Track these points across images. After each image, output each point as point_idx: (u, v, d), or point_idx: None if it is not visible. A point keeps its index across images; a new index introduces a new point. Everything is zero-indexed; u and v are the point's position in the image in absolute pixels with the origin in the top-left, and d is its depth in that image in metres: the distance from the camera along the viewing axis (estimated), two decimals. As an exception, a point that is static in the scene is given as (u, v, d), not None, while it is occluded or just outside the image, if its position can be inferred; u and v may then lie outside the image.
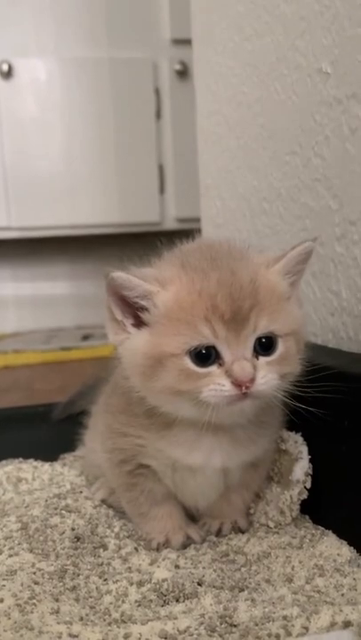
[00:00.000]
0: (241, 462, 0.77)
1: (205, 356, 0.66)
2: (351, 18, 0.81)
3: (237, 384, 0.65)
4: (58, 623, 0.62)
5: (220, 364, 0.66)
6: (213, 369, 0.66)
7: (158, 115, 2.76)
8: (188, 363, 0.66)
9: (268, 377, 0.67)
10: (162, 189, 2.79)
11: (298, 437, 0.82)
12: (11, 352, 2.38)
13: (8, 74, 2.65)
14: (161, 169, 2.79)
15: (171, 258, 0.73)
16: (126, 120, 2.73)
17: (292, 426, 0.83)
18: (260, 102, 1.07)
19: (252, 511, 0.84)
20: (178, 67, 2.69)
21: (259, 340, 0.68)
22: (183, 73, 2.68)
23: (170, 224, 2.77)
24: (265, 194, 1.07)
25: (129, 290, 0.68)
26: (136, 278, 0.68)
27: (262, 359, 0.68)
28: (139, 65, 2.73)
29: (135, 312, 0.70)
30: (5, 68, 2.64)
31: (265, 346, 0.68)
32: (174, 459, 0.75)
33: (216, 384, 0.66)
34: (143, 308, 0.69)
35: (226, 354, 0.66)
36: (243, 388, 0.65)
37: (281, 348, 0.69)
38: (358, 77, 0.79)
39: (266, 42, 1.03)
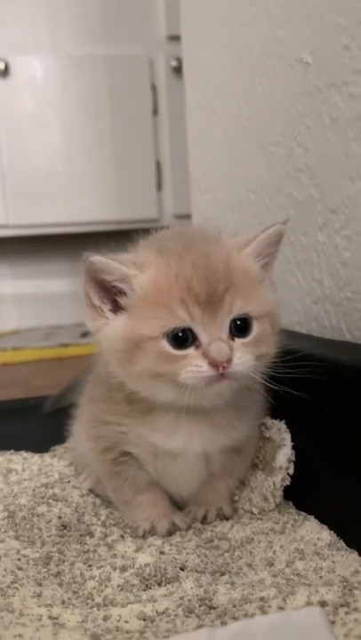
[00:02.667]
0: (221, 447, 0.78)
1: (182, 338, 0.67)
2: (331, 7, 0.82)
3: (214, 365, 0.66)
4: (39, 606, 0.63)
5: (197, 346, 0.68)
6: (190, 351, 0.67)
7: (155, 111, 2.77)
8: (166, 345, 0.67)
9: (245, 358, 0.68)
10: (159, 186, 2.80)
11: (281, 425, 0.83)
12: (9, 349, 2.39)
13: (5, 72, 2.66)
14: (158, 165, 2.80)
15: (147, 244, 0.75)
16: (123, 117, 2.74)
17: (275, 414, 0.84)
18: (246, 94, 1.08)
19: (236, 498, 0.85)
20: (174, 63, 2.70)
21: (234, 322, 0.69)
22: (179, 69, 2.68)
23: (167, 220, 2.77)
24: (251, 185, 1.08)
25: (107, 274, 0.70)
26: (114, 262, 0.70)
27: (238, 340, 0.69)
28: (135, 61, 2.74)
29: (113, 297, 0.71)
30: (2, 66, 2.65)
31: (240, 327, 0.69)
32: (154, 444, 0.77)
33: (193, 365, 0.67)
34: (121, 292, 0.70)
35: (202, 335, 0.68)
36: (220, 368, 0.67)
37: (256, 329, 0.70)
38: (337, 66, 0.80)
39: (251, 34, 1.04)
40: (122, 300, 0.70)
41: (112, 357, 0.72)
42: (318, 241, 0.88)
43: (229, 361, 0.67)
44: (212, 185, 1.25)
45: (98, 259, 0.69)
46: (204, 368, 0.67)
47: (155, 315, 0.68)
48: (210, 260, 0.69)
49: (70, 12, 2.70)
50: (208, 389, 0.68)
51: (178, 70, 2.70)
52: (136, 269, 0.70)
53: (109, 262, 0.69)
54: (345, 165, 0.80)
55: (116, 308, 0.71)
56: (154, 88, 2.76)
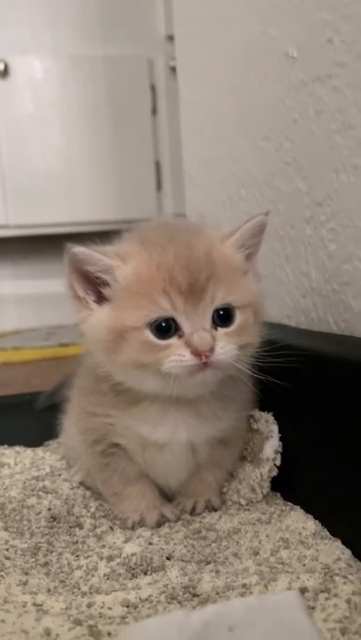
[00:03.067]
0: (207, 437, 0.79)
1: (165, 328, 0.69)
2: (316, 2, 0.82)
3: (197, 354, 0.68)
4: (24, 593, 0.64)
5: (180, 336, 0.69)
6: (173, 341, 0.69)
7: (154, 111, 2.79)
8: (149, 335, 0.69)
9: (228, 347, 0.69)
10: (159, 186, 2.82)
11: (269, 417, 0.84)
12: (10, 349, 2.40)
13: (4, 72, 2.68)
14: (157, 165, 2.81)
15: (131, 236, 0.76)
16: (122, 117, 2.75)
17: (263, 406, 0.85)
18: (237, 90, 1.08)
19: (225, 490, 0.86)
20: (173, 63, 2.71)
21: (217, 311, 0.70)
22: (179, 69, 2.70)
23: (167, 220, 2.79)
24: (242, 180, 1.08)
25: (90, 265, 0.71)
26: (97, 253, 0.71)
27: (221, 330, 0.70)
28: (134, 62, 2.75)
29: (97, 288, 0.72)
30: (1, 66, 2.67)
31: (223, 317, 0.70)
32: (141, 435, 0.77)
33: (177, 355, 0.68)
34: (105, 284, 0.71)
35: (185, 325, 0.69)
36: (202, 357, 0.68)
37: (239, 319, 0.71)
38: (322, 60, 0.81)
39: (241, 30, 1.05)
40: (105, 291, 0.71)
41: (97, 348, 0.73)
42: (306, 234, 0.89)
43: (212, 350, 0.68)
44: (206, 181, 1.26)
45: (81, 250, 0.70)
46: (187, 357, 0.68)
47: (138, 305, 0.69)
48: (192, 251, 0.70)
49: (69, 12, 2.71)
50: (192, 379, 0.69)
51: (177, 71, 2.71)
52: (119, 260, 0.71)
53: (92, 254, 0.71)
54: (330, 158, 0.81)
55: (101, 299, 0.72)
56: (153, 88, 2.77)
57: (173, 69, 2.70)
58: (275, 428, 0.83)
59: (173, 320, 0.69)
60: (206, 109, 1.24)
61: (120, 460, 0.82)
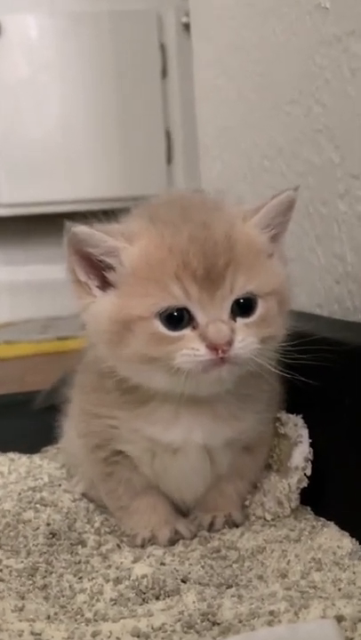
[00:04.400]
0: (225, 440, 0.78)
1: (177, 318, 0.67)
2: None
3: (213, 348, 0.66)
4: (20, 621, 0.63)
5: (194, 327, 0.67)
6: (187, 332, 0.67)
7: (164, 73, 2.77)
8: (159, 326, 0.67)
9: (247, 340, 0.68)
10: (169, 158, 2.80)
11: (298, 420, 0.83)
12: (2, 343, 2.41)
13: (-4, 32, 2.68)
14: (168, 135, 2.79)
15: (139, 212, 0.74)
16: (129, 80, 2.74)
17: (291, 407, 0.84)
18: (259, 47, 1.07)
19: (247, 503, 0.85)
20: (185, 19, 2.69)
21: (237, 301, 0.68)
22: (192, 25, 2.68)
23: (179, 196, 2.78)
24: (266, 150, 1.07)
25: (93, 246, 0.70)
26: (100, 233, 0.69)
27: (240, 321, 0.69)
28: (142, 18, 2.74)
29: (100, 273, 0.71)
30: (-7, 25, 2.66)
31: (243, 307, 0.69)
32: (151, 438, 0.77)
33: (190, 348, 0.67)
34: (109, 267, 0.70)
35: (200, 315, 0.67)
36: (219, 352, 0.66)
37: (261, 308, 0.70)
38: (358, 12, 0.80)
39: (264, -22, 1.03)
40: (110, 276, 0.70)
41: (100, 339, 0.72)
42: (339, 211, 0.88)
43: (230, 343, 0.67)
44: (223, 152, 1.24)
45: (82, 229, 0.69)
46: (201, 351, 0.67)
47: (146, 292, 0.68)
48: (209, 231, 0.68)
49: None
50: (206, 375, 0.68)
51: (190, 27, 2.69)
52: (125, 241, 0.69)
53: (94, 233, 0.69)
54: (368, 124, 0.80)
55: (105, 284, 0.71)
56: (163, 47, 2.76)
57: (186, 26, 2.67)
58: (304, 432, 0.81)
59: (187, 309, 0.67)
60: (223, 70, 1.23)
61: (124, 469, 0.81)
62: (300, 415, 0.83)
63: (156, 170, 2.78)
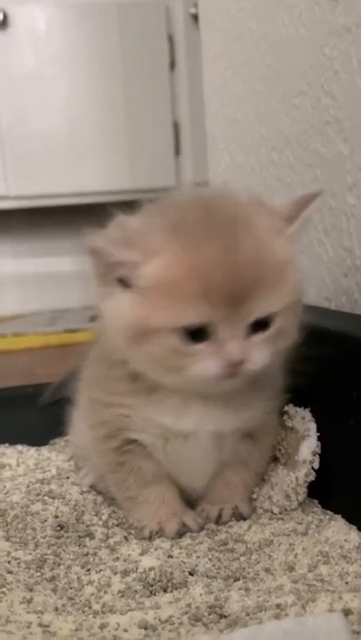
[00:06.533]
0: (235, 427, 0.78)
1: (195, 333, 0.67)
2: None
3: (228, 364, 0.68)
4: (28, 612, 0.64)
5: (211, 342, 0.68)
6: (203, 347, 0.68)
7: (172, 65, 2.76)
8: (176, 340, 0.67)
9: (261, 356, 0.69)
10: (177, 150, 2.79)
11: (305, 413, 0.83)
12: (10, 335, 2.41)
13: (3, 23, 2.67)
14: (176, 127, 2.78)
15: (160, 213, 0.71)
16: (136, 72, 2.73)
17: (299, 400, 0.84)
18: (267, 39, 1.07)
19: (255, 496, 0.85)
20: (193, 10, 2.67)
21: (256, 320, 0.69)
22: (200, 17, 2.66)
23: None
24: (274, 142, 1.07)
25: (109, 257, 0.68)
26: (115, 250, 0.68)
27: (256, 336, 0.69)
28: (149, 9, 2.73)
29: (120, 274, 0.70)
30: (0, 17, 2.65)
31: (260, 323, 0.69)
32: (163, 425, 0.77)
33: (205, 363, 0.68)
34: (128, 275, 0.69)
35: (218, 332, 0.67)
36: (232, 368, 0.68)
37: (277, 324, 0.70)
38: (368, 2, 0.79)
39: (273, -31, 1.03)
40: (129, 281, 0.69)
41: (116, 334, 0.72)
42: (348, 204, 0.87)
43: (245, 361, 0.68)
44: (231, 144, 1.24)
45: (98, 246, 0.68)
46: (216, 366, 0.68)
47: (165, 306, 0.67)
48: (236, 255, 0.66)
49: None
50: (218, 384, 0.70)
51: (198, 18, 2.68)
52: (143, 255, 0.68)
53: (110, 251, 0.68)
54: (377, 115, 0.79)
55: (124, 283, 0.70)
56: (171, 39, 2.75)
57: (194, 17, 2.66)
58: (312, 425, 0.81)
59: (205, 326, 0.67)
60: (232, 62, 1.22)
61: (136, 458, 0.81)
62: (308, 408, 0.83)
63: (163, 162, 2.77)
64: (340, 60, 0.87)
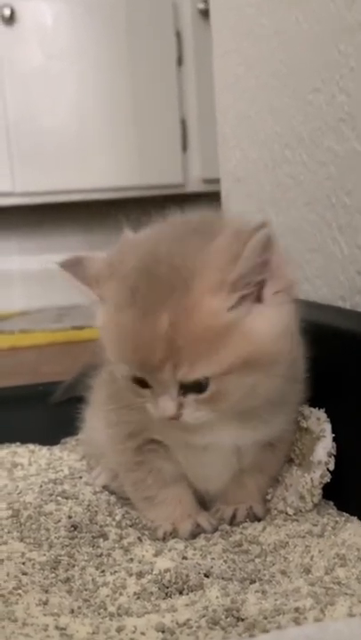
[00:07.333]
0: (253, 441, 0.79)
1: (139, 380, 0.70)
2: None
3: (162, 416, 0.70)
4: (44, 615, 0.63)
5: (152, 392, 0.70)
6: (148, 392, 0.70)
7: (180, 61, 2.75)
8: (129, 380, 0.71)
9: (197, 414, 0.69)
10: (185, 147, 2.79)
11: (321, 414, 0.82)
12: (17, 332, 2.41)
13: (10, 19, 2.67)
14: (183, 123, 2.78)
15: (131, 250, 0.72)
16: (143, 68, 2.72)
17: (314, 401, 0.83)
18: (280, 35, 1.06)
19: (269, 497, 0.84)
20: (201, 5, 2.67)
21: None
22: (208, 12, 2.65)
23: (194, 186, 2.76)
24: (287, 139, 1.06)
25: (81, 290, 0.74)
26: (81, 283, 0.73)
27: (191, 396, 0.69)
28: (157, 4, 2.72)
29: None
30: (7, 12, 2.65)
31: (191, 386, 0.68)
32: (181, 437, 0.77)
33: (150, 406, 0.71)
34: None
35: (153, 385, 0.69)
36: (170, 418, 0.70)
37: (213, 387, 0.67)
38: (385, -3, 0.78)
39: (286, -36, 1.02)
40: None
41: None
42: (364, 202, 0.87)
43: (177, 416, 0.69)
44: (243, 141, 1.23)
45: (66, 276, 0.74)
46: (156, 412, 0.70)
47: (110, 350, 0.71)
48: (147, 326, 0.65)
49: None
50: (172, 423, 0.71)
51: (206, 14, 2.66)
52: (100, 297, 0.71)
53: (75, 283, 0.73)
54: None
55: None
56: (178, 35, 2.74)
57: (203, 13, 2.66)
58: (327, 426, 0.81)
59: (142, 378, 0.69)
60: (244, 58, 1.21)
61: (157, 458, 0.81)
62: (323, 409, 0.83)
63: (170, 158, 2.77)
64: (355, 56, 0.86)
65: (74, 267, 0.74)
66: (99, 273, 0.71)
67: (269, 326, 0.67)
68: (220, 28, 1.32)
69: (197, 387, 0.67)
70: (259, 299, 0.67)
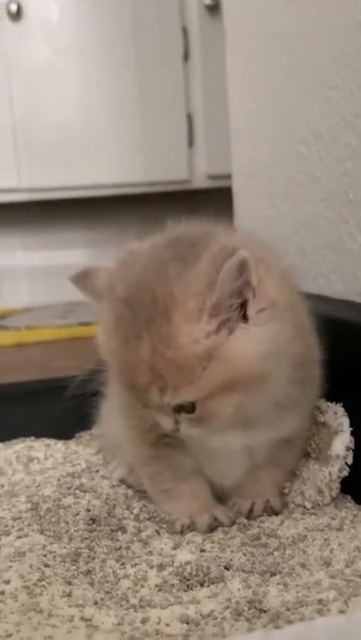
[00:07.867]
0: (265, 442, 0.79)
1: None
2: None
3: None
4: (69, 606, 0.64)
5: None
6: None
7: (186, 56, 2.74)
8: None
9: (191, 430, 0.72)
10: (191, 142, 2.78)
11: (338, 408, 0.83)
12: (23, 328, 2.41)
13: (17, 15, 2.65)
14: (189, 119, 2.77)
15: (119, 277, 0.73)
16: (150, 64, 2.71)
17: (331, 395, 0.84)
18: (294, 30, 1.06)
19: (286, 491, 0.85)
20: (208, 1, 2.66)
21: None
22: (215, 8, 2.64)
23: (200, 182, 2.75)
24: (302, 135, 1.06)
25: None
26: (90, 296, 0.76)
27: (184, 415, 0.71)
28: (163, 0, 2.71)
29: None
30: (14, 8, 2.63)
31: (181, 407, 0.70)
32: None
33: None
34: None
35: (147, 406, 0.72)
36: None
37: (200, 409, 0.70)
38: None
39: None
40: None
41: None
42: (381, 198, 0.87)
43: (176, 430, 0.72)
44: (255, 137, 1.24)
45: (76, 283, 0.77)
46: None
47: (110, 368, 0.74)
48: (131, 353, 0.68)
49: None
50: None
51: (212, 9, 2.66)
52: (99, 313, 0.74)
53: (85, 295, 0.76)
54: None
55: None
56: (185, 30, 2.73)
57: (209, 8, 2.65)
58: (345, 420, 0.81)
59: None
60: (257, 54, 1.21)
61: (175, 452, 0.81)
62: (341, 403, 0.83)
63: (177, 154, 2.75)
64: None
65: (83, 281, 0.76)
66: (102, 288, 0.74)
67: (254, 346, 0.68)
68: (232, 22, 1.32)
69: (188, 407, 0.70)
70: (245, 317, 0.68)
